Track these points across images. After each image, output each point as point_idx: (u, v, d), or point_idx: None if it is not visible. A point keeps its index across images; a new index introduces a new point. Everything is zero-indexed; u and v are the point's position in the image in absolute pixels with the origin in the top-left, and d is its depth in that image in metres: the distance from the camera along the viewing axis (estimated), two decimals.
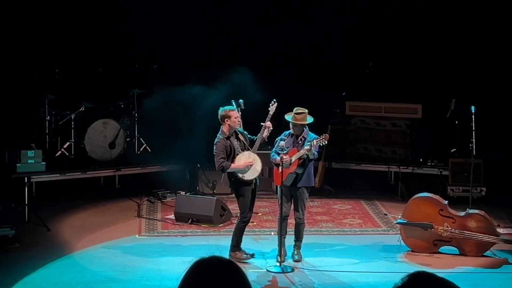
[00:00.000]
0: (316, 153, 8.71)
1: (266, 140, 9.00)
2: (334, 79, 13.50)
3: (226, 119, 8.72)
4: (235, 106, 8.98)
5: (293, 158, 8.72)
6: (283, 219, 8.81)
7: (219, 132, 8.81)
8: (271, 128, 8.83)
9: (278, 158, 8.68)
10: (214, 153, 8.75)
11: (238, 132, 8.89)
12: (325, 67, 13.59)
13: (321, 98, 12.96)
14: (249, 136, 9.00)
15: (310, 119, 8.85)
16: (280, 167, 8.61)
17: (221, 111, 8.80)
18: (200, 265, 2.40)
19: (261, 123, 8.86)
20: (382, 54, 13.49)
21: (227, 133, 8.75)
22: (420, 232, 9.32)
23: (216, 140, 8.79)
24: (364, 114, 13.44)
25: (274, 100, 8.94)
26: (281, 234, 8.85)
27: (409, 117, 13.13)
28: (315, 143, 8.54)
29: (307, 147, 8.55)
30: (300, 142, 8.87)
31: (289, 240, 9.09)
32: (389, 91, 13.35)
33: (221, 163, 8.66)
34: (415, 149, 12.98)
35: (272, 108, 8.90)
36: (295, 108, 8.85)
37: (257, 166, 8.82)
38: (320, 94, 13.10)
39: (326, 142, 8.61)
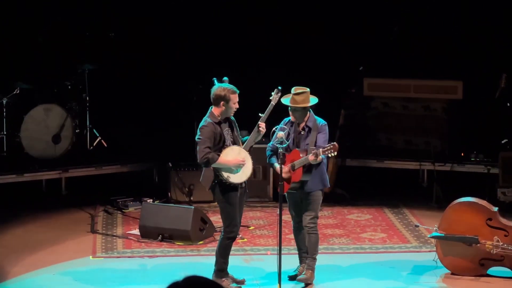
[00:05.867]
0: (324, 157, 8.74)
1: (260, 140, 8.98)
2: (348, 48, 13.47)
3: (222, 102, 8.64)
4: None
5: (296, 166, 8.76)
6: (296, 229, 9.08)
7: (207, 115, 8.74)
8: (264, 131, 8.80)
9: (278, 166, 8.62)
10: (198, 140, 8.64)
11: (231, 120, 8.87)
12: (336, 33, 13.56)
13: (332, 74, 12.94)
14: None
15: (314, 100, 8.89)
16: (280, 168, 8.62)
17: (217, 88, 8.68)
18: None
19: (259, 114, 8.80)
20: (411, 14, 13.46)
21: (218, 118, 8.72)
22: (463, 248, 9.33)
23: (202, 123, 8.70)
24: (387, 94, 13.44)
25: (279, 87, 8.88)
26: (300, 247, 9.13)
27: (447, 98, 13.14)
28: (320, 153, 8.58)
29: (311, 156, 8.57)
30: (303, 133, 8.85)
31: (291, 260, 9.14)
32: (420, 64, 13.33)
33: (206, 154, 8.55)
34: (454, 140, 13.00)
35: (275, 98, 8.87)
36: (293, 88, 8.86)
37: (247, 168, 8.80)
38: (330, 69, 13.08)
39: (334, 153, 8.63)
